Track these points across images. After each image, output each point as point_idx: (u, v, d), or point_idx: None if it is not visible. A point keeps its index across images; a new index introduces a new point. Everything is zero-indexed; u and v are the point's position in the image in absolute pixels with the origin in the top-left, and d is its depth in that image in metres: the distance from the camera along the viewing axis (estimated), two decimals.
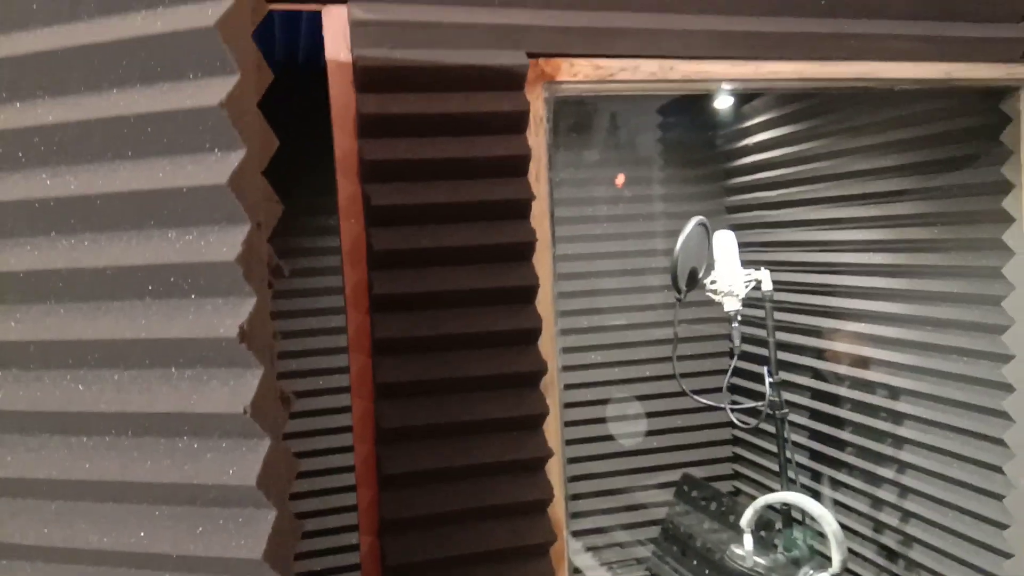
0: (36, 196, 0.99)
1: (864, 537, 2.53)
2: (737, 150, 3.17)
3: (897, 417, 2.38)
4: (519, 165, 1.47)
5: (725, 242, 2.30)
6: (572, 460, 3.14)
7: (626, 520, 3.20)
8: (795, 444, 2.83)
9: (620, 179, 3.28)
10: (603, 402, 3.19)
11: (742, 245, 2.33)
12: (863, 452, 2.53)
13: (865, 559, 2.52)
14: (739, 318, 2.31)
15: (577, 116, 3.22)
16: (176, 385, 0.95)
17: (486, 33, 1.48)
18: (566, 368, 3.14)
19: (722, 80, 1.64)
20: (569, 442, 3.12)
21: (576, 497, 3.13)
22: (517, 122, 1.48)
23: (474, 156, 1.46)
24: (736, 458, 3.39)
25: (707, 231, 2.31)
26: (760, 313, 2.37)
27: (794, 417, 2.83)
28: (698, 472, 3.28)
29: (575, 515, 3.12)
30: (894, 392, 2.39)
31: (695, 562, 2.71)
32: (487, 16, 1.48)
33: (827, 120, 2.62)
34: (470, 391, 1.43)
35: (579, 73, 1.55)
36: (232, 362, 0.92)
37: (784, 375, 2.75)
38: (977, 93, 1.88)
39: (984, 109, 1.89)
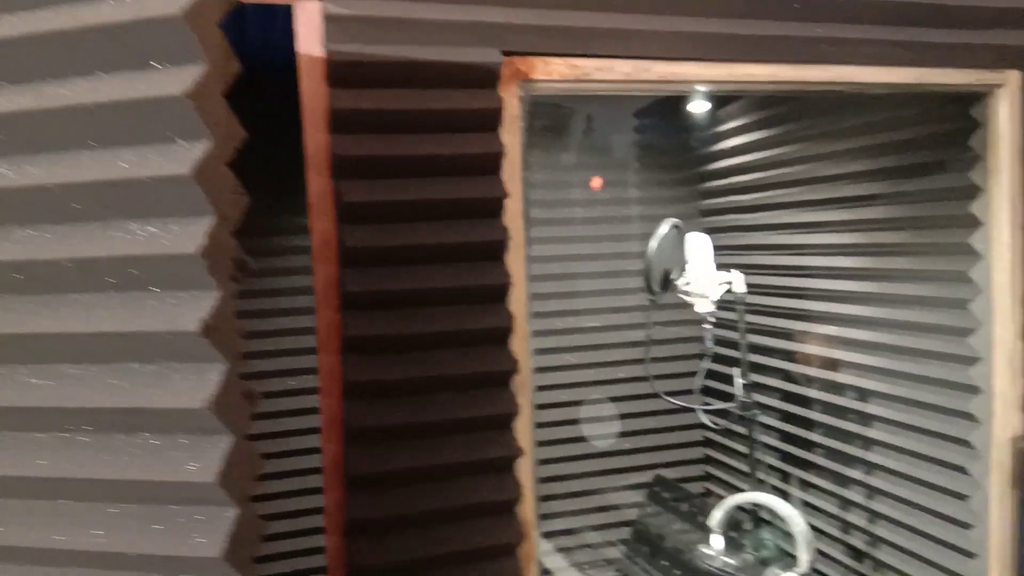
0: None
1: (832, 537, 2.55)
2: (712, 154, 3.19)
3: (865, 419, 2.40)
4: (492, 163, 1.46)
5: (698, 244, 2.31)
6: (545, 461, 3.14)
7: (597, 521, 3.20)
8: (765, 445, 2.85)
9: (596, 182, 3.28)
10: (577, 403, 3.20)
11: (716, 248, 2.34)
12: (832, 453, 2.56)
13: (833, 559, 2.54)
14: (712, 320, 2.32)
15: (553, 118, 3.22)
16: (137, 380, 0.93)
17: (461, 30, 1.47)
18: (540, 369, 3.14)
19: (697, 82, 1.64)
20: (542, 443, 3.12)
21: (548, 498, 3.13)
22: (490, 120, 1.47)
23: (447, 153, 1.45)
24: (707, 459, 3.41)
25: (681, 233, 2.32)
26: (733, 315, 2.38)
27: (765, 419, 2.85)
28: (670, 473, 3.29)
29: (547, 516, 3.12)
30: (863, 394, 2.41)
31: (665, 563, 2.72)
32: (462, 13, 1.47)
33: (800, 125, 2.65)
34: (440, 390, 1.42)
35: (554, 72, 1.55)
36: (194, 357, 0.90)
37: (755, 377, 2.77)
38: (947, 99, 1.90)
39: (954, 115, 1.92)
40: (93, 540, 0.95)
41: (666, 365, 3.18)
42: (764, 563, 2.22)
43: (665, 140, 3.33)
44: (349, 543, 1.39)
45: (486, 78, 1.47)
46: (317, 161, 1.43)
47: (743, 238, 3.01)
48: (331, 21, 1.41)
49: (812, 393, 2.66)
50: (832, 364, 2.56)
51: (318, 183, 1.43)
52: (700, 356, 2.43)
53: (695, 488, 3.38)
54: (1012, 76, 1.79)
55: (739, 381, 2.35)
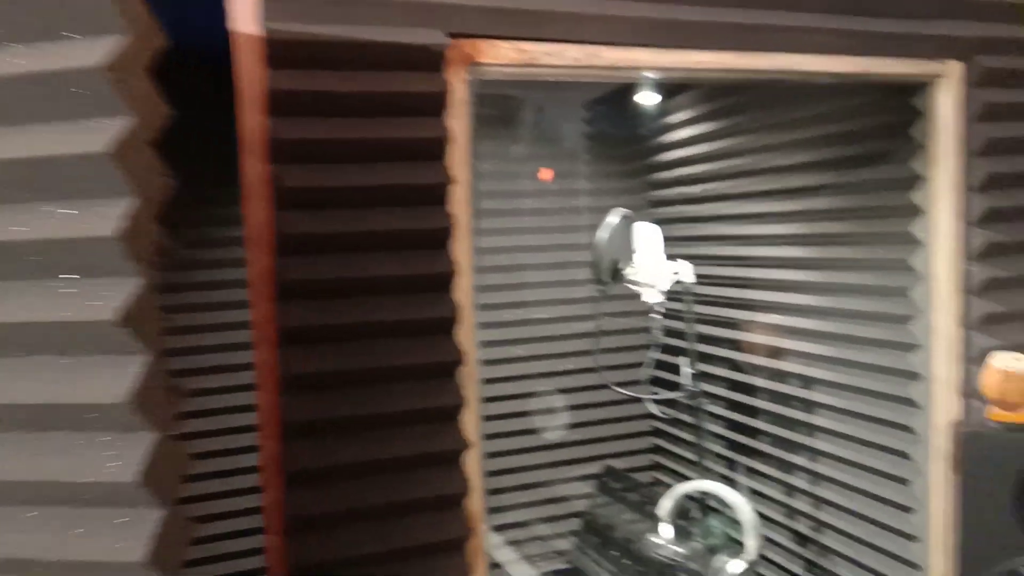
0: None
1: (778, 523, 2.58)
2: (661, 145, 3.20)
3: (810, 406, 2.43)
4: (437, 149, 1.42)
5: (646, 234, 2.30)
6: (494, 454, 3.11)
7: (548, 513, 3.19)
8: (713, 434, 2.87)
9: (545, 173, 3.26)
10: (526, 395, 3.17)
11: (666, 239, 2.34)
12: (778, 441, 2.58)
13: (779, 545, 2.57)
14: (660, 311, 2.31)
15: (503, 108, 3.18)
16: (52, 373, 0.87)
17: (405, 10, 1.43)
18: (489, 361, 3.10)
19: (646, 68, 1.62)
20: (491, 436, 3.09)
21: (498, 491, 3.11)
22: (435, 104, 1.42)
23: (390, 138, 1.40)
24: (656, 449, 3.42)
25: (630, 224, 2.30)
26: (681, 306, 2.38)
27: (712, 407, 2.87)
28: (619, 463, 3.30)
29: (496, 510, 3.09)
30: (807, 381, 2.44)
31: (615, 553, 2.72)
32: None
33: (747, 117, 2.66)
34: (383, 382, 1.37)
35: (502, 56, 1.51)
36: (113, 348, 0.84)
37: (703, 367, 2.78)
38: (890, 89, 1.92)
39: (897, 105, 1.94)
40: (8, 546, 0.88)
41: (615, 356, 3.18)
42: (712, 551, 2.23)
43: (615, 131, 3.33)
44: (289, 542, 1.34)
45: (431, 60, 1.42)
46: (253, 145, 1.37)
47: (692, 229, 3.02)
48: None
49: (758, 381, 2.68)
50: (777, 353, 2.58)
51: (254, 168, 1.37)
52: (649, 347, 2.42)
53: (645, 478, 3.39)
54: (954, 67, 1.82)
55: (687, 370, 2.35)
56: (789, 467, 2.54)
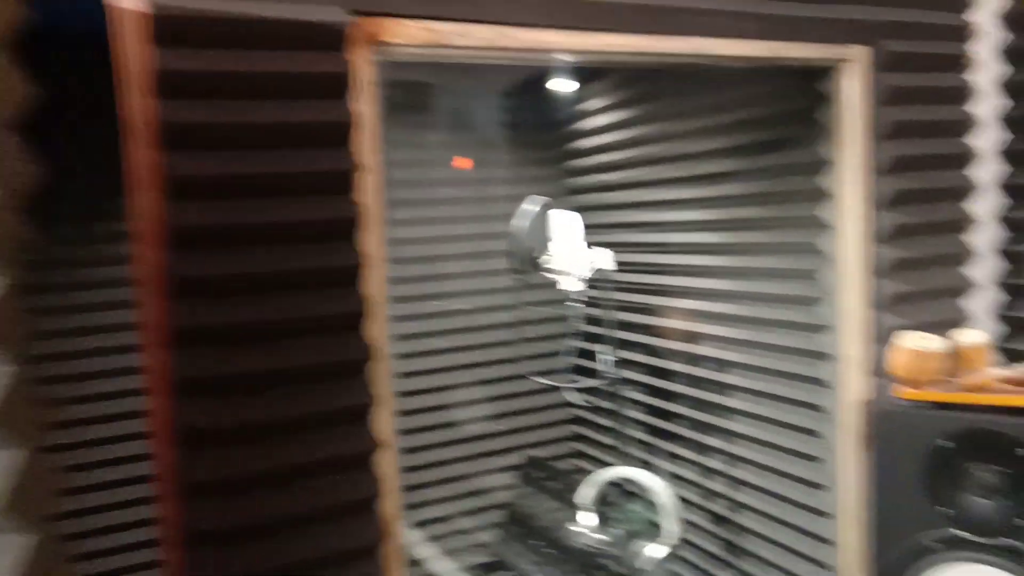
0: None
1: (697, 506, 2.62)
2: (578, 133, 3.19)
3: (725, 389, 2.47)
4: (341, 133, 1.34)
5: (563, 221, 2.28)
6: (415, 449, 3.05)
7: (471, 506, 3.15)
8: (633, 420, 2.89)
9: (462, 162, 3.20)
10: (447, 388, 3.12)
11: (585, 227, 2.32)
12: (696, 424, 2.62)
13: (698, 527, 2.61)
14: (580, 298, 2.30)
15: (419, 96, 3.10)
16: None
17: None
18: (408, 355, 3.04)
19: (558, 50, 1.58)
20: (411, 431, 3.03)
21: (418, 487, 3.05)
22: (337, 86, 1.34)
23: (291, 122, 1.32)
24: (578, 437, 3.43)
25: (548, 211, 2.28)
26: (600, 293, 2.37)
27: (632, 393, 2.89)
28: (542, 453, 3.29)
29: (417, 505, 3.04)
30: (723, 365, 2.48)
31: (538, 542, 2.71)
32: None
33: (661, 104, 2.68)
34: (286, 384, 1.29)
35: (409, 36, 1.44)
36: None
37: (622, 353, 2.79)
38: (798, 74, 1.94)
39: (805, 91, 1.97)
40: None
41: (535, 346, 3.16)
42: (633, 536, 2.24)
43: (532, 119, 3.30)
44: (187, 557, 1.25)
45: (331, 39, 1.34)
46: (139, 130, 1.26)
47: (610, 216, 3.02)
48: None
49: (676, 366, 2.71)
50: (694, 337, 2.61)
51: (141, 155, 1.26)
52: (568, 335, 2.41)
53: (567, 466, 3.39)
54: (860, 51, 1.85)
55: (606, 357, 2.35)
56: (706, 450, 2.57)
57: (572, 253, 2.27)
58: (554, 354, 3.17)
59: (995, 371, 1.68)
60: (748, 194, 2.34)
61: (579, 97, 3.13)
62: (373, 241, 1.38)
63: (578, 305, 2.30)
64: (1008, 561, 1.53)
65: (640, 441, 2.88)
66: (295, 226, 1.31)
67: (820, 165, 1.97)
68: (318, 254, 1.33)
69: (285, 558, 1.27)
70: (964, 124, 2.04)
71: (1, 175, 0.80)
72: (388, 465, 1.41)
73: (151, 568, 2.48)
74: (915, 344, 1.71)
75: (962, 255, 2.08)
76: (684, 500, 2.63)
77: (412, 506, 3.03)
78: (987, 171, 2.04)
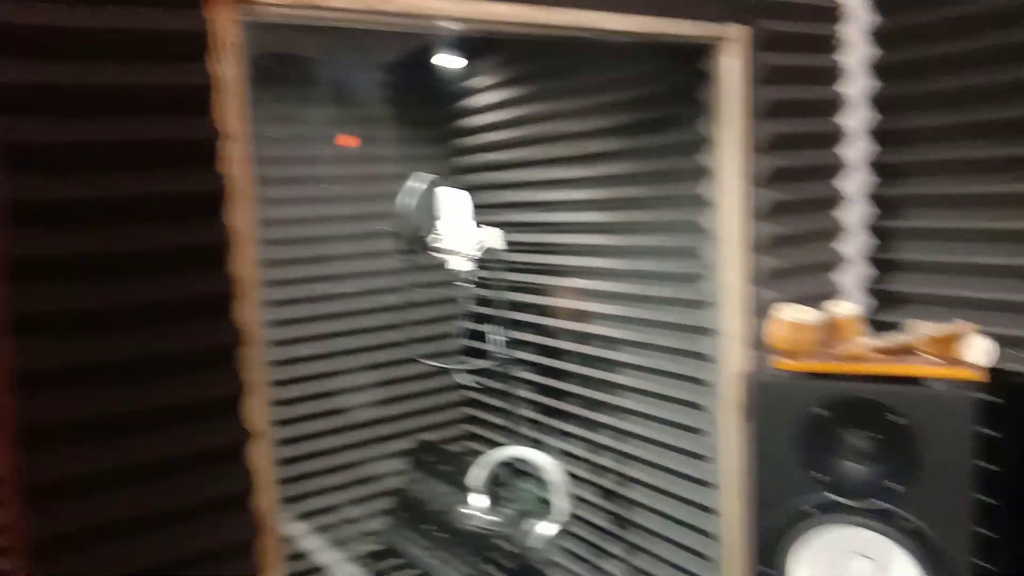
0: None
1: (587, 482, 2.64)
2: (465, 111, 3.13)
3: (613, 366, 2.50)
4: (200, 98, 1.23)
5: (451, 199, 2.22)
6: (300, 438, 2.94)
7: (361, 494, 3.07)
8: (524, 400, 2.88)
9: (347, 139, 3.08)
10: (334, 374, 3.02)
11: (474, 206, 2.27)
12: (586, 401, 2.63)
13: (588, 502, 2.63)
14: (469, 279, 2.25)
15: (300, 70, 2.96)
16: None
17: None
18: (293, 341, 2.92)
19: (438, 17, 1.52)
20: (297, 419, 2.92)
21: (305, 477, 2.94)
22: (195, 46, 1.23)
23: (143, 84, 1.20)
24: (471, 419, 3.40)
25: (434, 189, 2.21)
26: (490, 274, 2.33)
27: (523, 373, 2.88)
28: (434, 436, 3.24)
29: (303, 496, 2.93)
30: (611, 342, 2.50)
31: (430, 527, 2.66)
32: None
33: (548, 83, 2.66)
34: (145, 372, 1.18)
35: None
36: None
37: (513, 334, 2.77)
38: (679, 52, 1.96)
39: (686, 69, 1.98)
40: None
41: (425, 328, 3.10)
42: (525, 515, 2.23)
43: (419, 95, 3.22)
44: (37, 564, 1.13)
45: None
46: None
47: (499, 196, 2.98)
48: None
49: (565, 345, 2.71)
50: (582, 316, 2.62)
51: None
52: (458, 316, 2.36)
53: (460, 449, 3.36)
54: (738, 30, 1.88)
55: (497, 338, 2.32)
56: (596, 426, 2.60)
57: (461, 232, 2.22)
58: (444, 336, 3.12)
59: (866, 341, 1.75)
60: (634, 173, 2.36)
61: (467, 74, 3.07)
62: (242, 217, 1.28)
63: (468, 286, 2.26)
64: (879, 523, 1.60)
65: (531, 420, 2.87)
66: (151, 199, 1.20)
67: (702, 144, 2.00)
68: (179, 230, 1.22)
69: (149, 560, 1.17)
70: (836, 103, 2.12)
71: None
72: (263, 456, 1.32)
73: None
74: (791, 317, 1.77)
75: (835, 231, 2.17)
76: (575, 477, 2.65)
77: (298, 497, 2.93)
78: (857, 150, 2.14)
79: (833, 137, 2.13)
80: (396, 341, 3.03)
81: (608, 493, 2.56)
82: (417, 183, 2.15)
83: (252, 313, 1.31)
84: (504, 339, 2.32)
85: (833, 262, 2.17)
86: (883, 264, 2.13)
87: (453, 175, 3.22)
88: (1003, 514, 1.64)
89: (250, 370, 1.29)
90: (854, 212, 2.16)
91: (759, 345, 1.97)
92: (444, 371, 2.94)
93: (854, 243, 2.17)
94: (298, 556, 2.82)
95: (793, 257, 2.06)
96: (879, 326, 2.03)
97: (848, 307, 1.88)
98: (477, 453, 3.27)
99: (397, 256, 2.25)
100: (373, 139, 3.13)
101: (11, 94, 1.13)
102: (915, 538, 1.57)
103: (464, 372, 2.64)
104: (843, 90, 2.12)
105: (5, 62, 1.13)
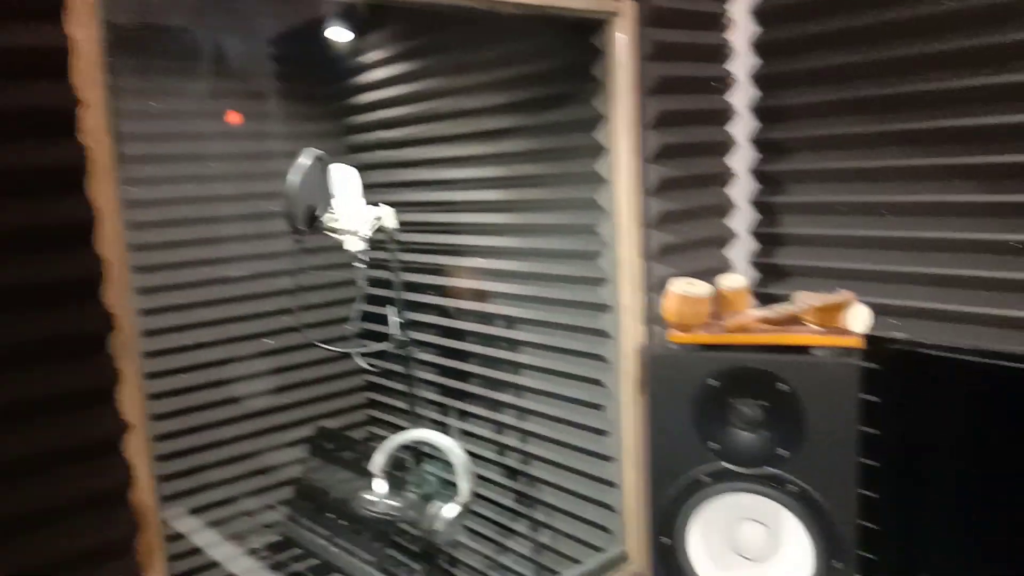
0: None
1: (490, 462, 2.64)
2: (357, 87, 3.04)
3: (514, 344, 2.49)
4: (55, 62, 1.12)
5: (343, 176, 2.15)
6: (191, 430, 2.81)
7: (257, 485, 2.97)
8: (424, 382, 2.84)
9: (233, 116, 2.94)
10: (226, 362, 2.89)
11: (367, 185, 2.20)
12: (487, 381, 2.62)
13: (492, 482, 2.63)
14: (364, 260, 2.19)
15: (180, 45, 2.79)
16: None
17: None
18: (179, 328, 2.78)
19: None
20: (187, 410, 2.79)
21: (197, 470, 2.81)
22: (46, 3, 1.12)
23: None
24: (373, 404, 3.34)
25: (324, 165, 2.13)
26: (387, 254, 2.27)
27: (423, 355, 2.84)
28: (334, 423, 3.17)
29: (196, 490, 2.80)
30: (511, 321, 2.49)
31: (330, 516, 2.60)
32: None
33: (441, 58, 2.61)
34: (6, 362, 1.07)
35: None
36: None
37: (412, 315, 2.72)
38: (573, 28, 1.94)
39: (579, 45, 1.98)
40: None
41: (321, 312, 3.01)
42: (428, 498, 2.20)
43: (308, 71, 3.11)
44: None
45: None
46: None
47: (394, 175, 2.92)
48: None
49: (465, 325, 2.69)
50: (482, 295, 2.60)
51: None
52: (355, 299, 2.29)
53: (362, 434, 3.29)
54: (627, 6, 1.88)
55: (394, 320, 2.26)
56: (498, 406, 2.59)
57: (354, 210, 2.15)
58: (342, 320, 3.04)
59: (754, 313, 1.81)
60: (531, 150, 2.34)
61: (358, 48, 2.98)
62: (104, 192, 1.18)
63: (363, 266, 2.19)
64: (771, 489, 1.66)
65: (433, 402, 2.84)
66: (3, 173, 1.09)
67: (595, 120, 2.00)
68: (36, 208, 1.12)
69: (18, 564, 1.07)
70: (724, 81, 2.17)
71: None
72: (140, 449, 1.24)
73: None
74: (683, 290, 1.80)
75: (724, 207, 2.23)
76: (478, 457, 2.64)
77: (191, 491, 2.80)
78: (742, 127, 2.19)
79: (721, 115, 2.18)
80: (292, 326, 2.93)
81: (512, 472, 2.57)
82: (306, 159, 2.06)
83: (122, 297, 1.22)
84: (402, 321, 2.27)
85: (724, 237, 2.23)
86: (767, 238, 2.20)
87: (348, 153, 3.13)
88: (883, 475, 1.73)
89: (122, 358, 1.21)
90: (741, 188, 2.22)
91: (654, 320, 2.00)
92: (344, 355, 2.86)
93: (742, 218, 2.24)
94: (193, 552, 2.70)
95: (685, 233, 2.10)
96: (766, 298, 2.10)
97: (737, 280, 1.93)
98: (379, 438, 3.22)
99: (289, 237, 2.16)
100: (261, 115, 3.00)
101: None
102: (802, 501, 1.63)
103: (362, 355, 2.57)
104: (731, 68, 2.17)
105: None
